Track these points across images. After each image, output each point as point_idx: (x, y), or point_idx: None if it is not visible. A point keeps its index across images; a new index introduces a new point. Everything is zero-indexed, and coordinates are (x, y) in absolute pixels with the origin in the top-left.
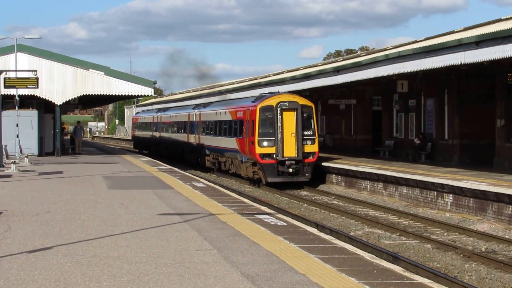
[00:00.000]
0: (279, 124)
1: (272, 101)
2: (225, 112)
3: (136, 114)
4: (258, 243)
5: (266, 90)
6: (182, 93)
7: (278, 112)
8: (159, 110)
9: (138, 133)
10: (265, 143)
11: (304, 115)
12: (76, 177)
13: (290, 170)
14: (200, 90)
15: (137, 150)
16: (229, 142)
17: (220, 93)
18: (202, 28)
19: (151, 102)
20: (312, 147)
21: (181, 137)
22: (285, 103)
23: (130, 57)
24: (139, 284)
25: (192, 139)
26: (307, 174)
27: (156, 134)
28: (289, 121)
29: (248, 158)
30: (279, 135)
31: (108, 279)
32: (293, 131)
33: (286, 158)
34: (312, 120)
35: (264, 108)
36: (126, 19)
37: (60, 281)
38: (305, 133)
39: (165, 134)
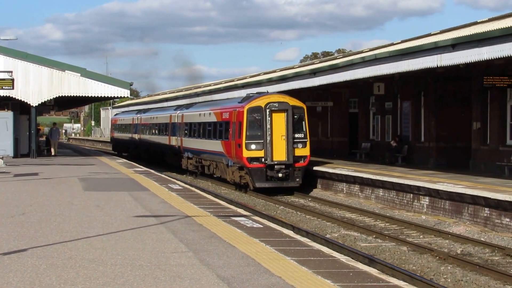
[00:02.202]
0: (268, 126)
1: (261, 102)
2: (210, 113)
3: (115, 115)
4: (234, 245)
5: (243, 92)
6: (158, 94)
7: (267, 113)
8: (139, 111)
9: (117, 135)
10: (253, 146)
11: (295, 116)
12: (51, 178)
13: (280, 175)
14: (177, 92)
15: (116, 153)
16: (214, 145)
17: (197, 94)
18: (178, 30)
19: (127, 104)
20: (303, 151)
21: (162, 139)
22: (275, 104)
23: (106, 59)
24: (115, 287)
25: (174, 141)
26: (297, 179)
27: (136, 136)
28: (279, 122)
29: (235, 162)
30: (268, 138)
31: (83, 282)
32: (283, 133)
33: (276, 162)
34: (303, 122)
35: (252, 109)
36: (102, 21)
37: (35, 283)
38: (296, 135)
39: (145, 136)
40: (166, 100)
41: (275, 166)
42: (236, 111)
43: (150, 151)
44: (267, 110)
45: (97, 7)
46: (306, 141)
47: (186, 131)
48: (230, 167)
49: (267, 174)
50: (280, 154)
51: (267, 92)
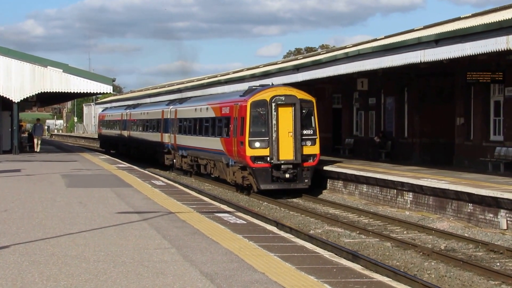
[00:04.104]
0: (274, 122)
1: (266, 95)
2: (207, 108)
3: (103, 111)
4: (217, 241)
5: (226, 88)
6: (141, 90)
7: (273, 107)
8: (128, 106)
9: (105, 131)
10: (257, 144)
11: (304, 111)
12: (34, 175)
13: (287, 175)
14: (159, 88)
15: (103, 150)
16: (212, 143)
17: (180, 90)
18: (161, 26)
19: (111, 100)
20: (312, 149)
21: (154, 136)
22: (281, 97)
23: (89, 54)
24: (97, 283)
25: (167, 138)
26: (306, 180)
27: (125, 132)
28: (286, 118)
29: (236, 161)
30: (274, 135)
31: (65, 278)
32: (290, 130)
33: (282, 162)
34: (312, 117)
35: (256, 103)
36: (83, 16)
37: (17, 280)
38: (304, 132)
39: (135, 133)
40: (149, 96)
41: (282, 166)
42: (238, 106)
43: (141, 149)
44: (273, 104)
45: (78, 2)
46: (315, 138)
47: (180, 128)
48: (231, 166)
49: (272, 175)
50: (287, 152)
51: (272, 84)
